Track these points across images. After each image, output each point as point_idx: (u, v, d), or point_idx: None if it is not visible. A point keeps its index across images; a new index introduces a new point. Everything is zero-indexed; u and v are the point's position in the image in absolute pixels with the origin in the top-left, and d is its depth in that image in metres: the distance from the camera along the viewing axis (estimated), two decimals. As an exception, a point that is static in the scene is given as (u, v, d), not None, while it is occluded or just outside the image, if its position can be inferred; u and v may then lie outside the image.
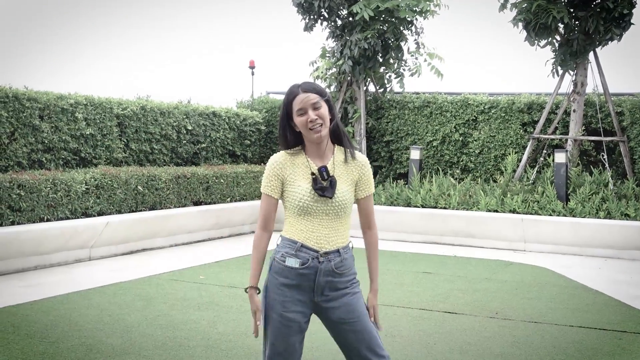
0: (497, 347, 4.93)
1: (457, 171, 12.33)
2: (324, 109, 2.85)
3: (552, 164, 10.92)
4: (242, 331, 5.22)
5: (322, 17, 12.64)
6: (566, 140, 11.39)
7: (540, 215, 9.98)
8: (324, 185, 2.84)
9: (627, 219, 9.50)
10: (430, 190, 10.92)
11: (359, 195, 2.98)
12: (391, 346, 4.86)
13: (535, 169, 11.28)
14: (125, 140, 10.26)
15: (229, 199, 11.17)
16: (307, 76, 13.47)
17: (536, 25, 10.93)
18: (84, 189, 8.59)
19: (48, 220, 8.16)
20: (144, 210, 9.53)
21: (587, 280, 7.44)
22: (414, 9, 11.95)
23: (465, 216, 10.10)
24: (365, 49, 12.00)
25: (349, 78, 12.72)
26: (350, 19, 12.41)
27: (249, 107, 14.05)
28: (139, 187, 9.37)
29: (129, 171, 9.36)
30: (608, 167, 10.80)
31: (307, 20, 12.71)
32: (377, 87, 13.13)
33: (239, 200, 11.44)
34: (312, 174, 2.86)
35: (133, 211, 9.36)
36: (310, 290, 2.86)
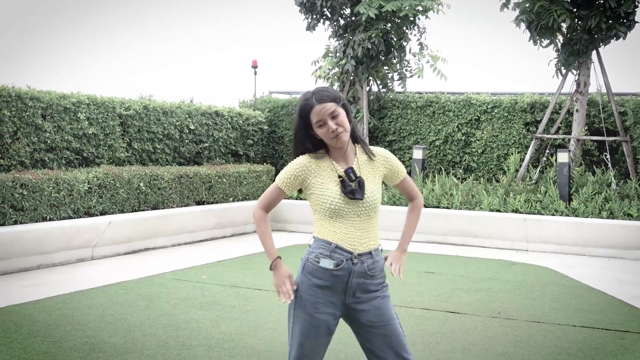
0: (499, 346, 4.92)
1: (460, 171, 12.32)
2: (342, 115, 2.84)
3: (554, 164, 10.90)
4: (245, 331, 5.22)
5: (324, 17, 12.64)
6: (569, 140, 11.37)
7: (543, 215, 9.97)
8: (352, 187, 2.84)
9: (629, 219, 9.49)
10: (432, 190, 10.92)
11: (394, 182, 3.04)
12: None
13: (538, 168, 11.27)
14: (127, 140, 10.26)
15: (231, 199, 11.18)
16: (309, 76, 13.49)
17: (538, 26, 10.93)
18: (87, 189, 8.60)
19: (50, 219, 8.17)
20: (147, 209, 9.54)
21: (590, 280, 7.43)
22: (417, 7, 11.94)
23: (468, 216, 10.09)
24: (368, 48, 11.99)
25: (351, 78, 12.72)
26: (353, 18, 12.41)
27: (252, 107, 14.05)
28: (142, 186, 9.38)
29: (131, 171, 9.37)
30: (611, 167, 10.78)
31: (309, 20, 12.71)
32: (380, 87, 13.13)
33: (242, 200, 11.44)
34: (339, 176, 2.86)
35: (135, 211, 9.37)
36: (342, 291, 2.85)
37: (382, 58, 12.49)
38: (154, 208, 9.70)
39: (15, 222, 7.77)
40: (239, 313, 5.78)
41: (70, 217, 8.42)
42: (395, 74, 12.99)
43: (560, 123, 11.64)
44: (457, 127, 12.44)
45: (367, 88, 12.86)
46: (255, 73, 14.95)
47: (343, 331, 3.25)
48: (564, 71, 11.44)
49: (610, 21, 10.66)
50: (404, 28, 12.43)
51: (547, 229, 9.57)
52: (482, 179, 11.86)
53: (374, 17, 11.81)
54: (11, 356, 4.52)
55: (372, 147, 3.00)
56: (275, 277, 2.91)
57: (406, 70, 12.92)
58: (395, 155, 12.99)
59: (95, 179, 8.76)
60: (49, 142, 8.94)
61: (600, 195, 9.98)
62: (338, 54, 12.50)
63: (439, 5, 12.30)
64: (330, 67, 12.89)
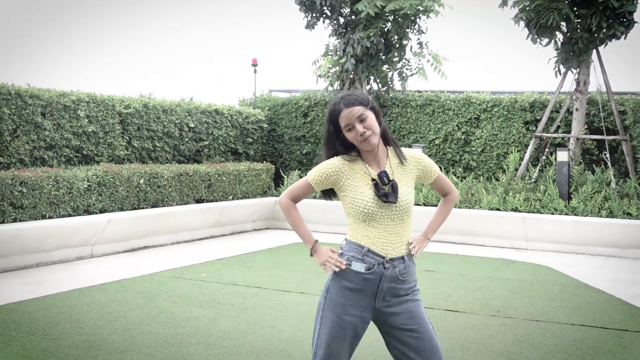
0: (498, 345, 4.92)
1: (460, 169, 12.31)
2: (371, 118, 2.84)
3: (554, 163, 10.90)
4: (243, 329, 5.23)
5: (324, 15, 12.63)
6: (568, 138, 11.37)
7: (543, 213, 9.97)
8: (386, 190, 2.84)
9: (629, 218, 9.49)
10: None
11: (428, 181, 3.06)
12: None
13: (538, 167, 11.27)
14: (127, 138, 10.26)
15: (231, 197, 11.18)
16: (310, 74, 13.47)
17: (537, 24, 10.92)
18: (86, 187, 8.60)
19: (50, 217, 8.17)
20: (146, 207, 9.54)
21: (589, 279, 7.43)
22: (418, 7, 11.94)
23: (468, 214, 10.09)
24: (367, 47, 11.99)
25: (351, 76, 12.71)
26: (353, 17, 12.40)
27: (252, 105, 14.05)
28: (141, 184, 9.38)
29: (131, 169, 9.37)
30: (610, 166, 10.78)
31: (309, 18, 12.71)
32: (380, 86, 13.12)
33: (241, 198, 11.45)
34: (373, 179, 2.86)
35: (135, 209, 9.37)
36: (372, 295, 2.84)
37: (382, 57, 12.49)
38: (154, 206, 9.70)
39: (14, 220, 7.78)
40: (237, 311, 5.79)
41: (70, 215, 8.42)
42: (396, 72, 12.98)
43: (560, 122, 11.63)
44: (457, 125, 12.44)
45: (367, 87, 12.86)
46: (255, 71, 14.96)
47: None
48: (563, 70, 11.43)
49: (610, 20, 10.65)
50: (405, 27, 12.43)
51: (546, 228, 9.57)
52: (481, 177, 11.86)
53: (374, 15, 11.81)
54: (10, 354, 4.53)
55: (403, 149, 3.00)
56: (319, 257, 2.89)
57: (406, 69, 12.92)
58: (395, 153, 13.02)
59: (94, 176, 8.76)
60: (48, 140, 8.94)
61: (600, 194, 9.98)
62: (338, 53, 12.50)
63: (440, 7, 12.30)
64: (330, 66, 12.89)
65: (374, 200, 2.82)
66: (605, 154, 11.03)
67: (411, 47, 12.85)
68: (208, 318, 5.53)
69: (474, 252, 9.22)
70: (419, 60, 12.84)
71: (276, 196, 11.99)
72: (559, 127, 11.71)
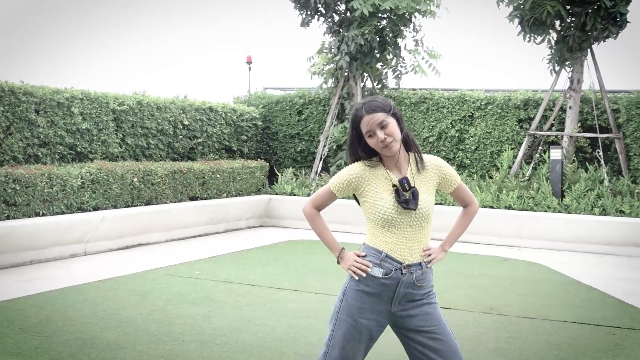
0: (491, 342, 4.94)
1: (453, 167, 12.32)
2: (392, 125, 2.84)
3: (547, 161, 10.94)
4: (237, 326, 5.23)
5: (319, 13, 12.63)
6: (562, 136, 11.40)
7: (536, 211, 10.00)
8: (406, 197, 2.85)
9: (622, 216, 9.53)
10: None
11: (448, 190, 3.04)
12: (386, 341, 4.87)
13: (531, 165, 11.30)
14: (121, 135, 10.24)
15: (225, 194, 11.18)
16: (304, 72, 13.46)
17: (531, 21, 10.95)
18: (80, 184, 8.58)
19: (43, 214, 8.15)
20: (140, 205, 9.53)
21: (582, 277, 7.46)
22: (416, 7, 11.96)
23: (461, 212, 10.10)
24: (361, 44, 11.99)
25: (346, 74, 12.72)
26: (348, 14, 12.40)
27: (246, 103, 14.04)
28: (135, 182, 9.37)
29: (125, 166, 9.35)
30: (603, 164, 10.82)
31: (303, 16, 12.70)
32: (375, 83, 13.13)
33: (235, 196, 11.45)
34: (394, 185, 2.87)
35: (129, 206, 9.36)
36: (388, 300, 2.85)
37: (377, 54, 12.50)
38: (148, 203, 9.69)
39: (7, 218, 7.75)
40: (231, 309, 5.79)
41: (63, 213, 8.40)
42: (390, 70, 12.99)
43: (554, 120, 11.67)
44: (451, 123, 12.46)
45: (362, 84, 12.86)
46: (250, 69, 14.93)
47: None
48: (557, 68, 11.46)
49: (604, 21, 10.67)
50: (400, 25, 12.43)
51: (539, 226, 9.61)
52: (475, 175, 11.89)
53: (368, 14, 11.81)
54: (3, 351, 4.52)
55: (425, 156, 2.99)
56: (345, 263, 2.91)
57: (401, 67, 12.93)
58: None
59: (88, 174, 8.74)
60: (42, 137, 8.92)
61: (593, 192, 10.02)
62: (332, 50, 12.50)
63: (436, 7, 12.31)
64: (325, 63, 12.89)
65: (394, 207, 2.83)
66: (598, 152, 11.06)
67: (406, 45, 12.87)
68: (202, 315, 5.53)
69: (468, 250, 9.24)
70: (414, 57, 12.86)
71: (270, 194, 12.00)
72: (552, 125, 11.74)
